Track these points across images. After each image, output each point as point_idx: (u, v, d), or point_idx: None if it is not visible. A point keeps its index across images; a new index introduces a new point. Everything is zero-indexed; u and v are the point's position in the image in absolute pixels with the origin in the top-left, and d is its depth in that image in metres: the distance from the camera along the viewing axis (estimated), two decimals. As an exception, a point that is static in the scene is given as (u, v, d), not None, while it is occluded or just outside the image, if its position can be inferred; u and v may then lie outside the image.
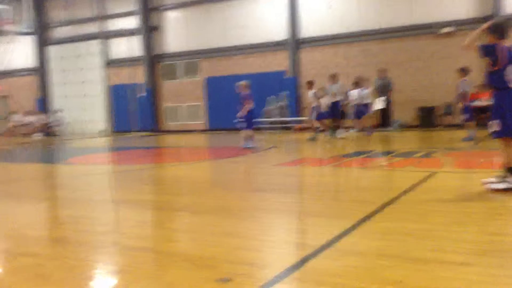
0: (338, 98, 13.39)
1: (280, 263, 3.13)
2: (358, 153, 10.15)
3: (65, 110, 26.66)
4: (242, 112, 12.09)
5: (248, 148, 11.98)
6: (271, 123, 20.50)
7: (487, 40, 5.16)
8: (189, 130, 23.02)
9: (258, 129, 20.23)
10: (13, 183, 8.09)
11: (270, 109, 20.48)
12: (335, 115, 13.52)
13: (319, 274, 2.87)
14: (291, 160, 9.70)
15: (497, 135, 5.12)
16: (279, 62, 21.06)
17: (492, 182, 5.12)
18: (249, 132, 12.30)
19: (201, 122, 23.24)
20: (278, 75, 20.91)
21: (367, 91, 14.48)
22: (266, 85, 20.77)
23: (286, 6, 20.31)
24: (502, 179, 5.05)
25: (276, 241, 3.77)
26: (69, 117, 26.60)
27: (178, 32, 23.53)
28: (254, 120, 12.50)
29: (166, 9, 23.67)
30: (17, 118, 26.00)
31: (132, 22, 23.97)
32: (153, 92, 24.33)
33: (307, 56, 20.51)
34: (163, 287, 2.78)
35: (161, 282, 2.88)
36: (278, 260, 3.24)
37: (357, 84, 14.68)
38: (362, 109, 14.57)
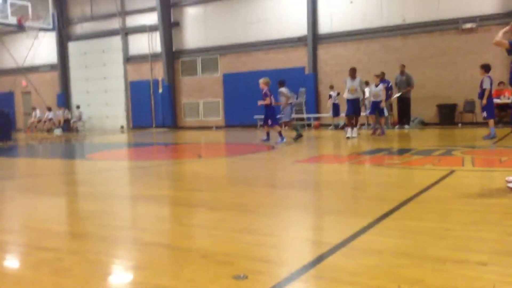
0: (357, 95, 13.26)
1: (297, 261, 3.13)
2: (376, 151, 10.07)
3: (86, 105, 27.07)
4: (265, 107, 12.39)
5: (280, 143, 12.32)
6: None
7: None
8: (207, 127, 23.14)
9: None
10: (34, 177, 8.25)
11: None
12: (355, 111, 13.43)
13: (336, 272, 2.85)
14: (309, 157, 9.66)
15: None
16: (299, 58, 20.98)
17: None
18: (277, 127, 12.52)
19: (219, 118, 23.32)
20: (298, 71, 20.84)
21: (380, 87, 14.28)
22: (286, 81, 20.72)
23: (306, 1, 20.19)
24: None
25: (293, 238, 3.76)
26: (90, 112, 26.99)
27: (198, 28, 23.62)
28: (277, 115, 12.87)
29: (186, 5, 23.78)
30: (39, 113, 26.48)
31: (152, 18, 24.15)
32: (172, 88, 24.50)
33: (327, 52, 20.39)
34: (181, 283, 2.80)
35: (179, 278, 2.91)
36: (295, 257, 3.23)
37: (377, 78, 14.50)
38: (375, 105, 14.42)
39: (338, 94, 17.65)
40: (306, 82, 20.61)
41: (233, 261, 3.11)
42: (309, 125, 20.05)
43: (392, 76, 16.90)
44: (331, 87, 18.49)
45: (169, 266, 3.18)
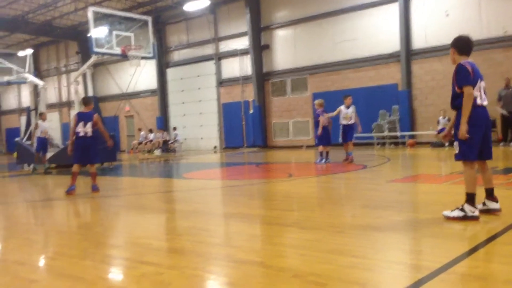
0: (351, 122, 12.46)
1: (394, 285, 3.00)
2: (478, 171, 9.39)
3: (182, 127, 28.48)
4: (319, 130, 12.66)
5: (320, 163, 12.38)
6: (382, 138, 19.87)
7: None
8: (297, 146, 23.19)
9: (369, 144, 19.75)
10: (137, 195, 8.80)
11: (381, 123, 19.88)
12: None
13: (437, 299, 2.69)
14: (405, 176, 9.29)
15: None
16: (391, 75, 20.40)
17: None
18: (321, 148, 12.67)
19: (308, 137, 23.28)
20: (390, 88, 20.25)
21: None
22: (377, 98, 20.24)
23: (398, 16, 19.68)
24: None
25: (389, 261, 3.61)
26: (186, 134, 28.34)
27: (287, 49, 23.96)
28: (327, 136, 12.71)
29: (276, 28, 24.28)
30: (141, 135, 28.37)
31: (243, 42, 24.94)
32: (263, 109, 24.98)
33: (421, 68, 19.62)
34: (273, 302, 2.81)
35: (272, 296, 2.92)
36: (391, 281, 3.11)
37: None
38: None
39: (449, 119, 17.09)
40: (400, 99, 19.94)
41: (326, 283, 3.06)
42: (403, 143, 19.30)
43: (494, 91, 15.78)
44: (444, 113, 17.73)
45: (262, 284, 3.21)
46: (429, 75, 19.36)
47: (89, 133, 8.65)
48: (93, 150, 8.76)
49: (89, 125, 8.64)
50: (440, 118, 17.81)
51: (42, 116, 14.97)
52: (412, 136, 19.46)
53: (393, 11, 19.89)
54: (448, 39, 19.06)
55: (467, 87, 4.64)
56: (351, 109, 12.47)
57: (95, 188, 8.73)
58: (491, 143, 4.88)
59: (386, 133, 19.65)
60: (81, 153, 8.66)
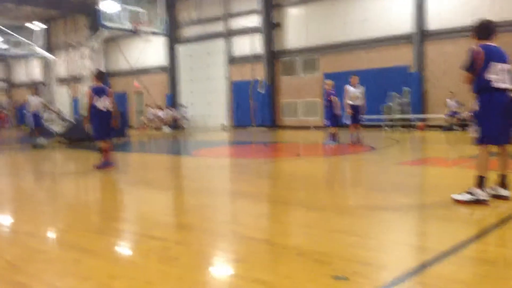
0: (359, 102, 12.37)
1: (399, 265, 3.01)
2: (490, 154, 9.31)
3: (190, 105, 28.45)
4: (336, 110, 12.41)
5: (328, 144, 12.25)
6: (392, 120, 19.72)
7: None
8: (305, 126, 23.11)
9: (378, 126, 19.63)
10: (145, 171, 8.86)
11: (391, 105, 19.69)
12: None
13: (443, 280, 2.69)
14: (414, 159, 9.24)
15: None
16: (402, 56, 20.12)
17: None
18: (331, 129, 12.49)
19: (317, 118, 23.18)
20: (401, 70, 20.01)
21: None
22: (387, 80, 20.01)
23: (412, -3, 19.30)
24: None
25: (395, 242, 3.62)
26: (194, 111, 28.33)
27: (298, 28, 23.68)
28: (336, 118, 12.53)
29: (288, 6, 23.96)
30: (150, 112, 28.40)
31: (254, 20, 24.67)
32: (272, 88, 24.85)
33: (434, 50, 19.32)
34: (279, 279, 2.83)
35: (277, 273, 2.94)
36: (397, 262, 3.11)
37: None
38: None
39: (460, 104, 17.08)
40: (411, 81, 19.71)
41: (331, 261, 3.07)
42: (413, 126, 19.16)
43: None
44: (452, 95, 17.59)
45: (267, 262, 3.23)
46: (442, 58, 19.08)
47: (109, 108, 8.41)
48: (110, 124, 8.55)
49: (104, 98, 8.38)
50: (448, 99, 17.58)
51: (32, 91, 14.80)
52: (422, 119, 19.29)
53: (407, -9, 19.52)
54: (462, 21, 18.60)
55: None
56: (359, 90, 12.31)
57: (106, 164, 8.61)
58: (509, 128, 4.77)
59: (396, 115, 19.49)
60: (106, 127, 8.42)
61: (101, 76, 8.77)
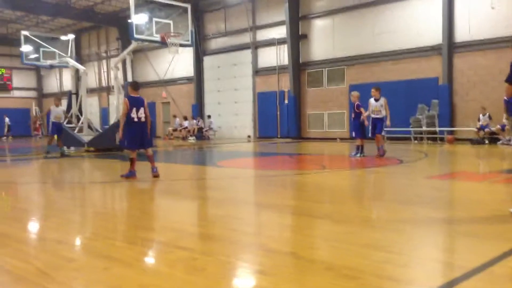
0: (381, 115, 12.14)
1: (428, 282, 2.95)
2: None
3: (217, 115, 28.67)
4: (364, 122, 12.40)
5: (355, 157, 12.20)
6: (420, 132, 19.42)
7: None
8: (331, 138, 22.97)
9: (406, 138, 19.35)
10: (172, 181, 8.94)
11: (419, 118, 19.40)
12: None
13: (474, 300, 2.63)
14: (443, 173, 9.07)
15: None
16: (431, 68, 19.86)
17: None
18: (358, 141, 12.43)
19: (343, 130, 23.02)
20: (430, 82, 19.73)
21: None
22: (416, 92, 19.77)
23: (441, 8, 19.08)
24: None
25: (424, 257, 3.54)
26: (220, 122, 28.52)
27: (325, 39, 23.67)
28: (364, 130, 12.47)
29: (314, 17, 24.01)
30: (176, 122, 28.76)
31: (281, 32, 24.78)
32: (298, 99, 24.83)
33: (463, 62, 19.00)
34: (305, 293, 2.81)
35: (303, 287, 2.92)
36: (426, 279, 3.05)
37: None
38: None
39: (490, 118, 16.92)
40: (440, 93, 19.40)
41: (360, 276, 3.03)
42: (441, 139, 18.82)
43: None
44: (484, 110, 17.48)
45: (293, 275, 3.21)
46: (471, 70, 18.75)
47: (143, 118, 8.56)
48: (147, 134, 8.68)
49: (141, 110, 8.54)
50: (480, 115, 17.37)
51: (55, 102, 15.35)
52: (451, 132, 18.94)
53: (436, 2, 19.31)
54: (493, 33, 18.34)
55: (508, 84, 4.55)
56: (380, 102, 12.19)
57: (155, 171, 8.63)
58: None
59: (424, 128, 19.19)
60: (140, 138, 8.55)
61: (136, 86, 8.91)
